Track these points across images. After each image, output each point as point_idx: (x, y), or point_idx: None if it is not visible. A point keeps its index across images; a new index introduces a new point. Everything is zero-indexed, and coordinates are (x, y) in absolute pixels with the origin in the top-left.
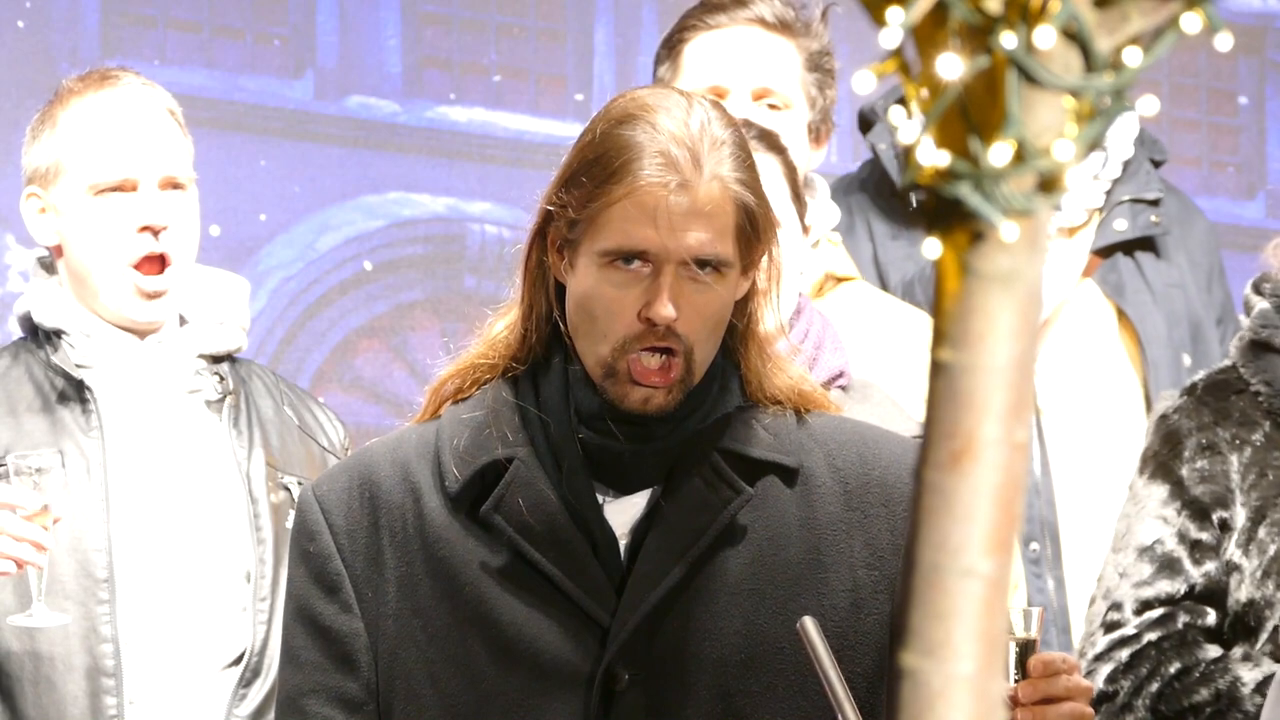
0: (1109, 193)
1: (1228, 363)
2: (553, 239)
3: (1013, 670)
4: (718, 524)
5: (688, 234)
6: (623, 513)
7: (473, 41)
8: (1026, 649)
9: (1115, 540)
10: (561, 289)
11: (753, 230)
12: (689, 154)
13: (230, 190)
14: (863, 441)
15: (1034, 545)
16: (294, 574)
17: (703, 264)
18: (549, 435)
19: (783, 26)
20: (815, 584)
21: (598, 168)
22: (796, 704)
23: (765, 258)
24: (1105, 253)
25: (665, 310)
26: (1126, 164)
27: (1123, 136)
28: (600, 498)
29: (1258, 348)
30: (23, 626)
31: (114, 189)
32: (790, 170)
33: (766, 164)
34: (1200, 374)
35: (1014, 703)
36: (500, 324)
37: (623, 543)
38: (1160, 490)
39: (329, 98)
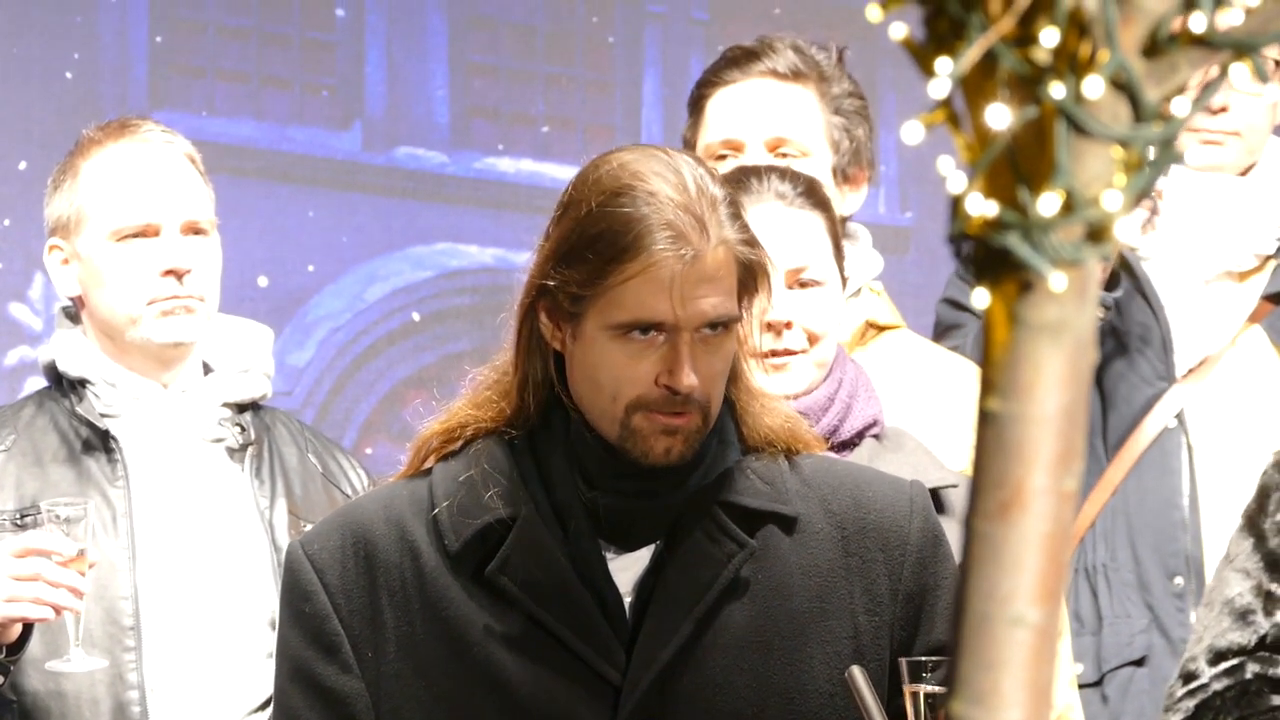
0: None
1: None
2: (549, 311)
3: None
4: (723, 579)
5: (702, 301)
6: (625, 569)
7: (521, 92)
8: (938, 701)
9: (1206, 594)
10: (557, 354)
11: (751, 281)
12: (694, 220)
13: (278, 241)
14: (856, 485)
15: (1178, 580)
16: (287, 635)
17: (713, 325)
18: (551, 494)
19: (796, 75)
20: (820, 632)
21: (603, 244)
22: None
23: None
24: (1277, 299)
25: (689, 380)
26: None
27: None
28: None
29: None
30: (59, 671)
31: (136, 234)
32: (833, 226)
33: (811, 222)
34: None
35: None
36: (487, 390)
37: (627, 600)
38: (1247, 544)
39: (377, 148)
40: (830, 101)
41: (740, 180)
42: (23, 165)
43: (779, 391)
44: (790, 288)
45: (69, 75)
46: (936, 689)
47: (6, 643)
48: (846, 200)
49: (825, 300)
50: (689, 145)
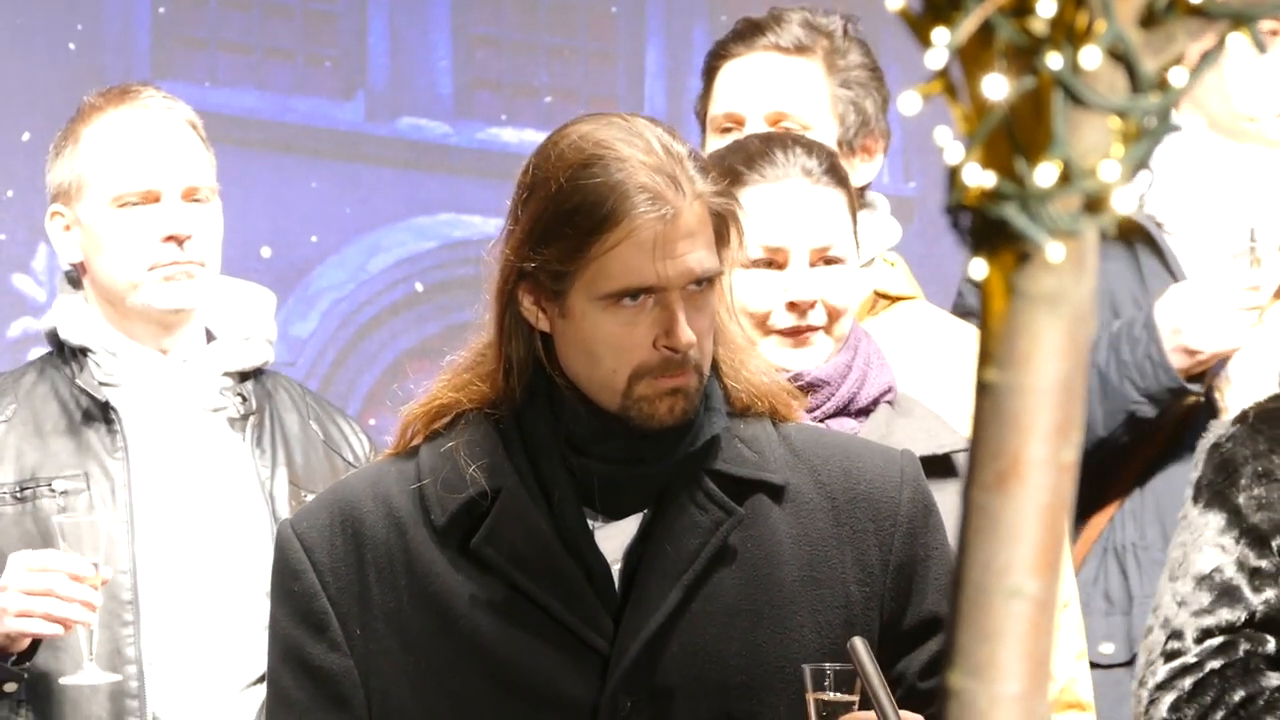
0: None
1: (1277, 391)
2: (530, 293)
3: None
4: (711, 546)
5: (688, 258)
6: (612, 538)
7: (524, 63)
8: (836, 710)
9: (1171, 569)
10: (542, 334)
11: (726, 231)
12: (668, 179)
13: (281, 212)
14: (845, 455)
15: None
16: (278, 614)
17: (699, 281)
18: (536, 467)
19: (799, 49)
20: (810, 601)
21: (580, 216)
22: None
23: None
24: None
25: (687, 336)
26: None
27: None
28: (590, 524)
29: None
30: (73, 684)
31: (137, 200)
32: (852, 201)
33: (835, 200)
34: (1249, 404)
35: None
36: (466, 372)
37: (615, 568)
38: (1217, 519)
39: (380, 119)
40: (838, 74)
41: (764, 152)
42: (26, 136)
43: (800, 366)
44: (814, 265)
45: (72, 46)
46: (837, 697)
47: (18, 652)
48: (859, 171)
49: (846, 276)
50: (700, 116)
